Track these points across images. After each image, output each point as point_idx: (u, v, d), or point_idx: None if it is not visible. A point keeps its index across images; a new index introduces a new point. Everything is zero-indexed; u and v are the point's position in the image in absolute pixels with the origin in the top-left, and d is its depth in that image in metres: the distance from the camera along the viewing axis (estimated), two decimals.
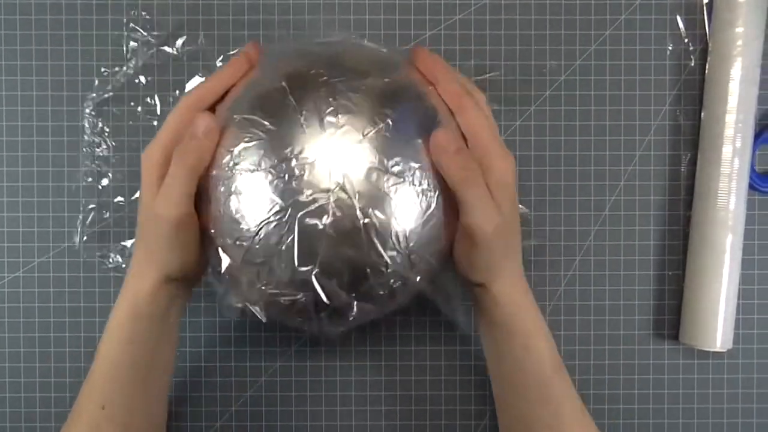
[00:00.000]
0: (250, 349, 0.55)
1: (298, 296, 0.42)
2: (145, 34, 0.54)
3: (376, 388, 0.55)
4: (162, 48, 0.54)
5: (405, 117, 0.42)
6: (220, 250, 0.43)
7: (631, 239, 0.55)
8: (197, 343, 0.55)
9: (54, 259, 0.54)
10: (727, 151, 0.52)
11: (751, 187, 0.54)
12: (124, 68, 0.54)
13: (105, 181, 0.54)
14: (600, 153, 0.55)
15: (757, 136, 0.54)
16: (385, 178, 0.41)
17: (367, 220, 0.40)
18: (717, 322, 0.52)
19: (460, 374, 0.55)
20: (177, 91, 0.54)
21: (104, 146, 0.54)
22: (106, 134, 0.54)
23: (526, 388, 0.45)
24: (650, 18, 0.55)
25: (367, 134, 0.41)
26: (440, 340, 0.55)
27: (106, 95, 0.54)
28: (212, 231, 0.43)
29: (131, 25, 0.54)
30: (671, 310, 0.55)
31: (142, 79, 0.54)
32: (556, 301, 0.55)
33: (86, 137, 0.54)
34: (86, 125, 0.54)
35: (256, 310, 0.43)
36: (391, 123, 0.41)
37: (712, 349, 0.52)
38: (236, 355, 0.55)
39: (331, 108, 0.41)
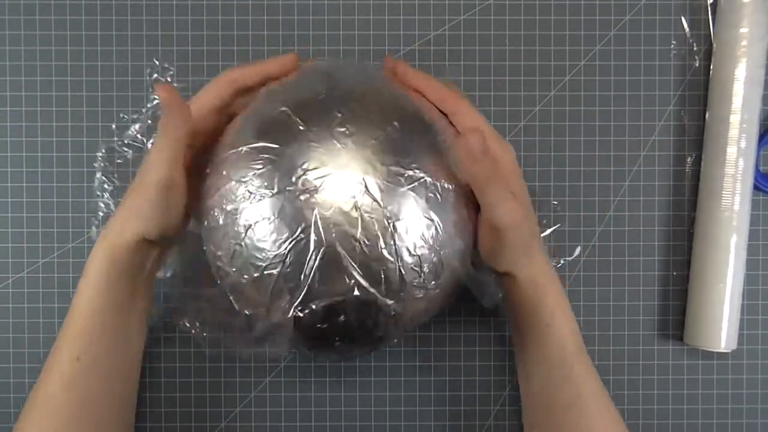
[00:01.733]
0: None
1: (338, 316, 0.41)
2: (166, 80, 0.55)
3: (380, 388, 0.55)
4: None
5: (409, 120, 0.43)
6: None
7: (636, 240, 0.55)
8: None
9: (58, 260, 0.54)
10: (731, 151, 0.52)
11: (756, 187, 0.54)
12: (144, 109, 0.55)
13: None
14: (604, 153, 0.55)
15: (762, 136, 0.54)
16: (406, 175, 0.41)
17: (395, 221, 0.40)
18: (721, 322, 0.52)
19: (465, 375, 0.55)
20: None
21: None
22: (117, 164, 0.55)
23: (548, 366, 0.47)
24: (654, 18, 0.55)
25: (378, 138, 0.41)
26: (441, 341, 0.55)
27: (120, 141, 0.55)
28: (233, 270, 0.42)
29: (155, 75, 0.55)
30: (676, 311, 0.55)
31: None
32: None
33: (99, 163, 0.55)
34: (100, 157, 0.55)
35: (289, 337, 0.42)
36: (397, 124, 0.42)
37: (716, 350, 0.52)
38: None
39: (338, 118, 0.41)
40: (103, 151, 0.54)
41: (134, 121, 0.54)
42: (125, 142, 0.54)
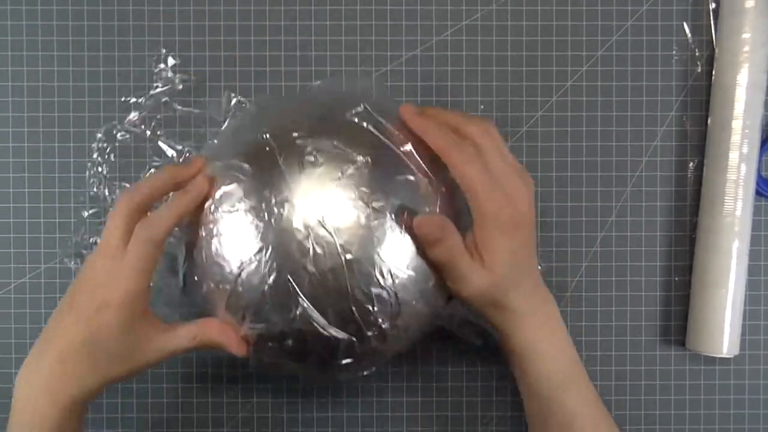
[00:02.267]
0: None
1: (286, 339, 0.41)
2: (171, 75, 0.54)
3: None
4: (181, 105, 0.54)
5: (384, 156, 0.43)
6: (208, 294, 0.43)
7: (638, 245, 0.55)
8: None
9: (60, 266, 0.54)
10: (733, 157, 0.52)
11: (758, 192, 0.54)
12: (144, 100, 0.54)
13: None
14: (606, 159, 0.55)
15: (764, 142, 0.54)
16: (366, 214, 0.41)
17: (349, 256, 0.40)
18: (723, 328, 0.52)
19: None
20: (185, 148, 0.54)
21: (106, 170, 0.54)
22: (112, 158, 0.55)
23: (530, 403, 0.47)
24: (657, 24, 0.55)
25: (346, 172, 0.41)
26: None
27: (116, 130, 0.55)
28: (195, 278, 0.44)
29: (160, 66, 0.54)
30: (678, 316, 0.55)
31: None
32: (563, 307, 0.55)
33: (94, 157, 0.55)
34: (95, 146, 0.54)
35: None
36: (369, 161, 0.42)
37: (718, 355, 0.52)
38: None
39: (310, 149, 0.41)
40: (101, 135, 0.54)
41: (135, 107, 0.54)
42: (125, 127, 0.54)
